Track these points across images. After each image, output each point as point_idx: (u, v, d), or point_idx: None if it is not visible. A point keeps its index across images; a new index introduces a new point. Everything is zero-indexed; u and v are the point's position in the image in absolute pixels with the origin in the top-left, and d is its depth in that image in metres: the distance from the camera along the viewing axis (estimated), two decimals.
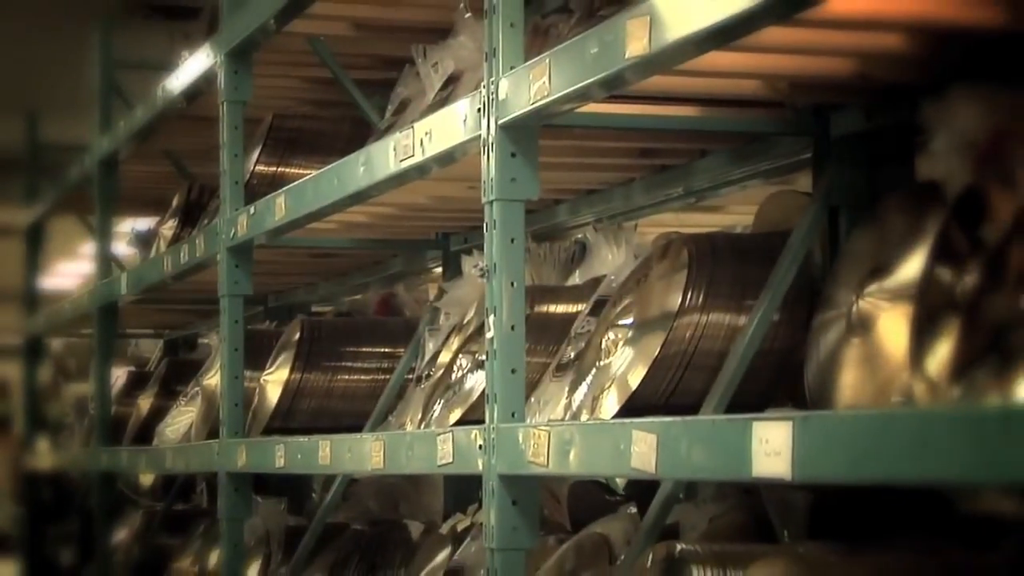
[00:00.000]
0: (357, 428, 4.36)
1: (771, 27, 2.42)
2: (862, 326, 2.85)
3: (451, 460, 3.19)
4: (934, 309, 2.48)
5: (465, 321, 3.98)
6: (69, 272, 14.30)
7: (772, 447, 2.13)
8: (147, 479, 7.46)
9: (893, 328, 2.75)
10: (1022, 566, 2.48)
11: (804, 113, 3.19)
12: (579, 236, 4.22)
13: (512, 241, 3.01)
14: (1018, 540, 2.70)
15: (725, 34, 2.39)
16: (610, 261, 3.69)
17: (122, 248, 7.51)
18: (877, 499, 3.03)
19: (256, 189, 4.81)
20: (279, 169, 5.04)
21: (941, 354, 2.41)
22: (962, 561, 2.59)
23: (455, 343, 3.92)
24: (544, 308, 3.69)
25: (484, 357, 3.07)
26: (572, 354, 3.40)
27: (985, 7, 2.46)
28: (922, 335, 2.48)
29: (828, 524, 3.10)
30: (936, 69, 2.77)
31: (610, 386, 3.11)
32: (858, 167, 3.11)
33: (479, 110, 3.07)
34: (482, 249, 3.09)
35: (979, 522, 2.80)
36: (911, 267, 2.74)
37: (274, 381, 4.80)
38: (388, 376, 4.65)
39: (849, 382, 2.84)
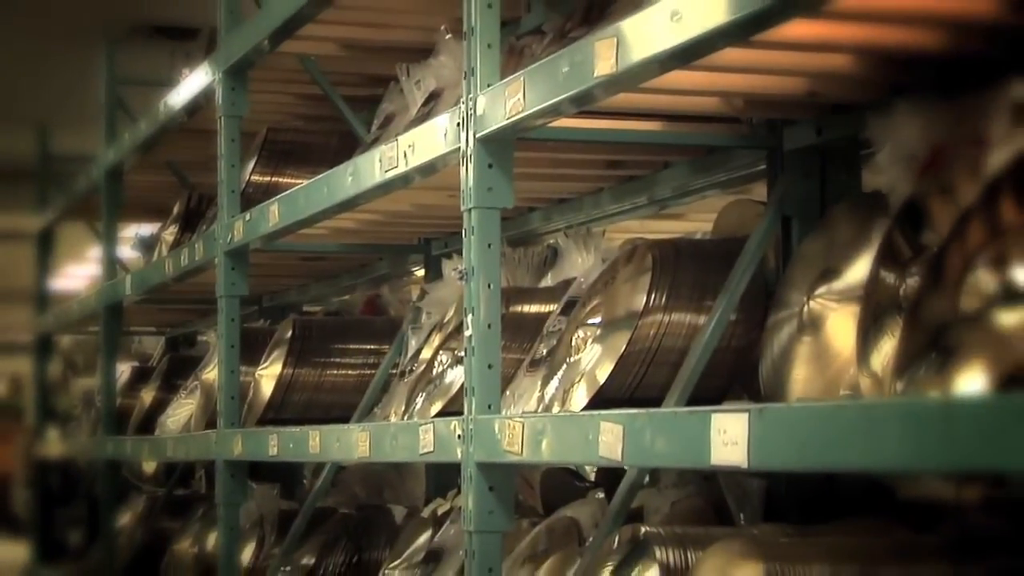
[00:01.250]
0: (345, 419, 4.35)
1: (728, 48, 2.42)
2: (812, 325, 2.85)
3: (432, 449, 3.18)
4: (879, 309, 2.48)
5: (445, 320, 3.98)
6: (77, 274, 14.25)
7: (729, 437, 2.13)
8: (149, 466, 7.43)
9: (841, 327, 2.75)
10: (960, 546, 2.48)
11: (759, 128, 3.20)
12: (551, 241, 4.22)
13: (489, 246, 3.01)
14: (956, 523, 2.71)
15: (686, 55, 2.39)
16: (580, 265, 3.68)
17: (126, 252, 7.49)
18: (827, 485, 3.04)
19: (251, 197, 4.81)
20: (273, 179, 5.03)
21: (885, 351, 2.42)
22: (905, 541, 2.59)
23: (436, 340, 3.92)
24: (518, 308, 3.69)
25: (463, 353, 3.06)
26: (544, 351, 3.40)
27: (925, 31, 2.47)
28: (868, 333, 2.49)
29: (782, 508, 3.11)
30: (881, 88, 2.78)
31: (580, 380, 3.11)
32: (809, 178, 3.12)
33: (458, 124, 3.06)
34: (461, 253, 3.09)
35: (919, 507, 2.80)
36: (858, 271, 2.74)
37: (268, 376, 4.79)
38: (374, 371, 4.65)
39: (800, 377, 2.84)
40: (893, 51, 2.59)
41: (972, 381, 1.99)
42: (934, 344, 2.12)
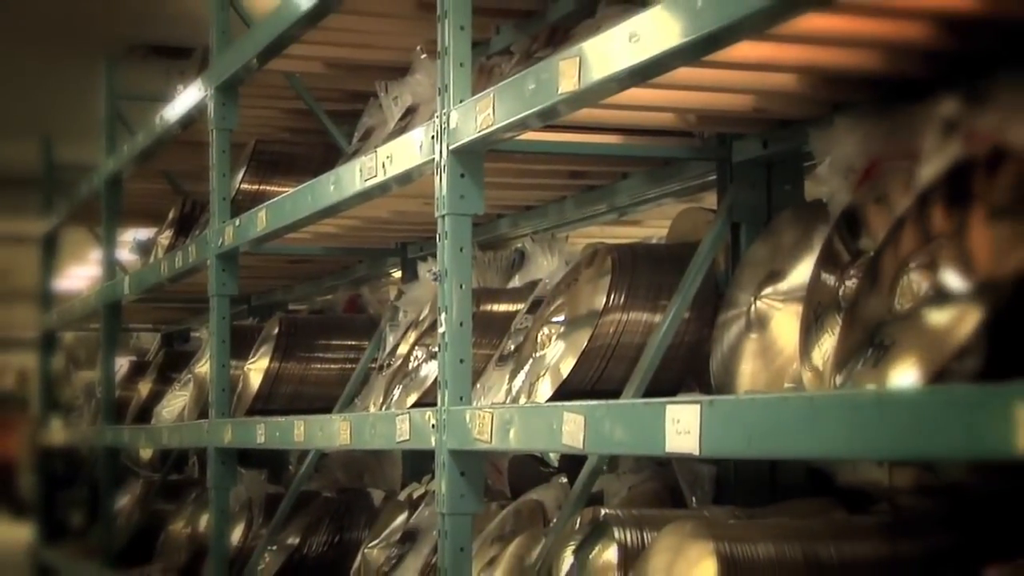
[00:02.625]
0: (327, 410, 4.35)
1: (682, 68, 2.42)
2: (759, 323, 2.86)
3: (408, 437, 3.18)
4: (820, 309, 2.49)
5: (420, 318, 3.97)
6: (79, 275, 14.17)
7: (683, 426, 2.14)
8: (146, 453, 7.40)
9: (785, 325, 2.76)
10: (892, 527, 2.49)
11: (710, 141, 3.20)
12: (518, 246, 4.22)
13: (461, 250, 3.00)
14: (889, 505, 2.72)
15: (643, 73, 2.39)
16: (545, 267, 3.68)
17: (125, 254, 7.46)
18: (772, 471, 3.05)
19: (241, 204, 4.79)
20: (261, 187, 5.02)
21: (826, 347, 2.42)
22: (842, 522, 2.60)
23: (412, 337, 3.91)
24: (488, 307, 3.69)
25: (437, 349, 3.06)
26: (512, 347, 3.40)
27: (862, 53, 2.48)
28: (809, 331, 2.49)
29: (730, 492, 3.11)
30: (822, 104, 2.78)
31: (544, 374, 3.11)
32: (756, 188, 3.12)
33: (433, 137, 3.06)
34: (435, 256, 3.08)
35: (856, 490, 2.81)
36: (801, 273, 2.75)
37: (256, 369, 4.78)
38: (354, 365, 4.64)
39: (748, 371, 2.84)
40: (833, 71, 2.59)
41: (905, 375, 1.99)
42: (870, 341, 2.12)
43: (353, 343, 4.82)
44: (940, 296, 2.00)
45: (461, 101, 2.97)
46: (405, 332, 4.05)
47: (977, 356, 1.88)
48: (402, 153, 3.25)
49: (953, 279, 1.99)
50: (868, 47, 2.45)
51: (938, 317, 1.98)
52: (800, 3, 2.02)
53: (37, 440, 9.86)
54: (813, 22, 2.21)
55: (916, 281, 2.07)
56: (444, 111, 3.01)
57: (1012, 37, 2.28)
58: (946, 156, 2.16)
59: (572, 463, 3.71)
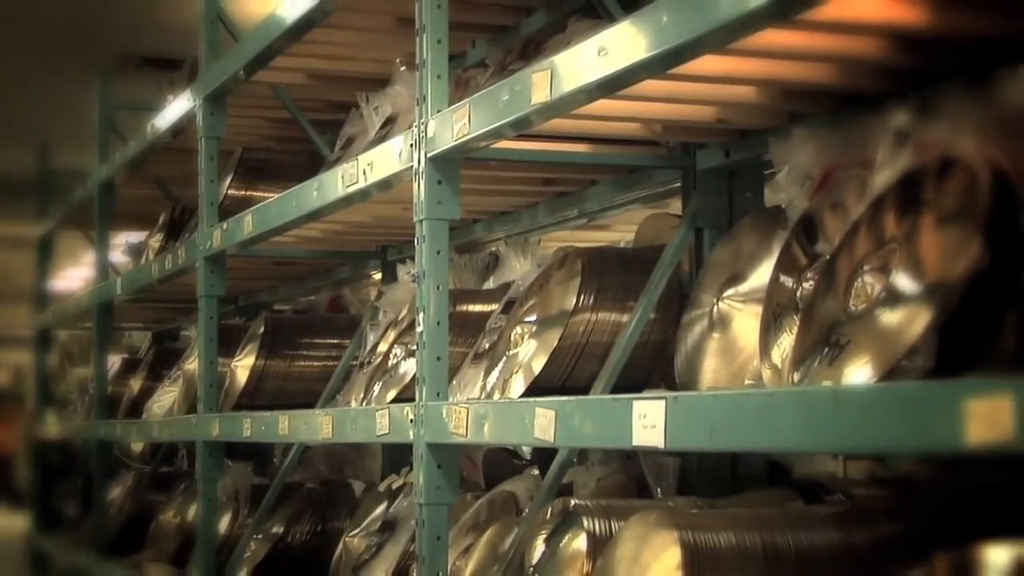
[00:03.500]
0: (310, 405, 4.33)
1: (648, 80, 2.42)
2: (721, 323, 2.86)
3: (387, 431, 3.17)
4: (779, 310, 2.49)
5: (399, 318, 3.97)
6: (73, 276, 14.11)
7: (649, 421, 2.14)
8: (137, 446, 7.38)
9: (746, 325, 2.76)
10: (846, 516, 2.49)
11: (675, 150, 3.21)
12: (493, 249, 4.22)
13: (438, 253, 3.00)
14: (843, 495, 2.72)
15: (611, 85, 2.40)
16: (518, 269, 3.68)
17: (117, 257, 7.43)
18: (733, 463, 3.05)
19: (228, 209, 4.78)
20: (247, 193, 5.01)
21: (784, 346, 2.43)
22: (799, 512, 2.60)
23: (391, 336, 3.91)
24: (464, 307, 3.69)
25: (415, 347, 3.05)
26: (487, 345, 3.40)
27: (819, 68, 2.48)
28: (769, 331, 2.50)
29: (694, 483, 3.11)
30: (781, 116, 2.79)
31: (517, 371, 3.11)
32: (718, 195, 3.13)
33: (411, 145, 3.06)
34: (414, 259, 3.08)
35: (812, 482, 2.82)
36: (761, 276, 2.75)
37: (243, 366, 4.77)
38: (336, 362, 4.63)
39: (710, 368, 2.85)
40: (791, 84, 2.60)
41: (859, 372, 2.00)
42: (826, 340, 2.13)
43: (335, 341, 4.81)
44: (892, 298, 2.01)
45: (438, 111, 2.96)
46: (385, 331, 4.04)
47: (927, 355, 1.88)
48: (382, 161, 3.24)
49: (904, 282, 1.99)
50: (824, 61, 2.45)
51: (890, 318, 1.99)
52: (759, 20, 2.02)
53: (33, 434, 9.82)
54: (772, 37, 2.21)
55: (869, 283, 2.08)
56: (422, 121, 3.01)
57: (958, 52, 2.29)
58: (897, 165, 2.16)
59: (543, 456, 3.71)
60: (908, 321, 1.94)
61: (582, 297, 3.04)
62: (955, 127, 2.05)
